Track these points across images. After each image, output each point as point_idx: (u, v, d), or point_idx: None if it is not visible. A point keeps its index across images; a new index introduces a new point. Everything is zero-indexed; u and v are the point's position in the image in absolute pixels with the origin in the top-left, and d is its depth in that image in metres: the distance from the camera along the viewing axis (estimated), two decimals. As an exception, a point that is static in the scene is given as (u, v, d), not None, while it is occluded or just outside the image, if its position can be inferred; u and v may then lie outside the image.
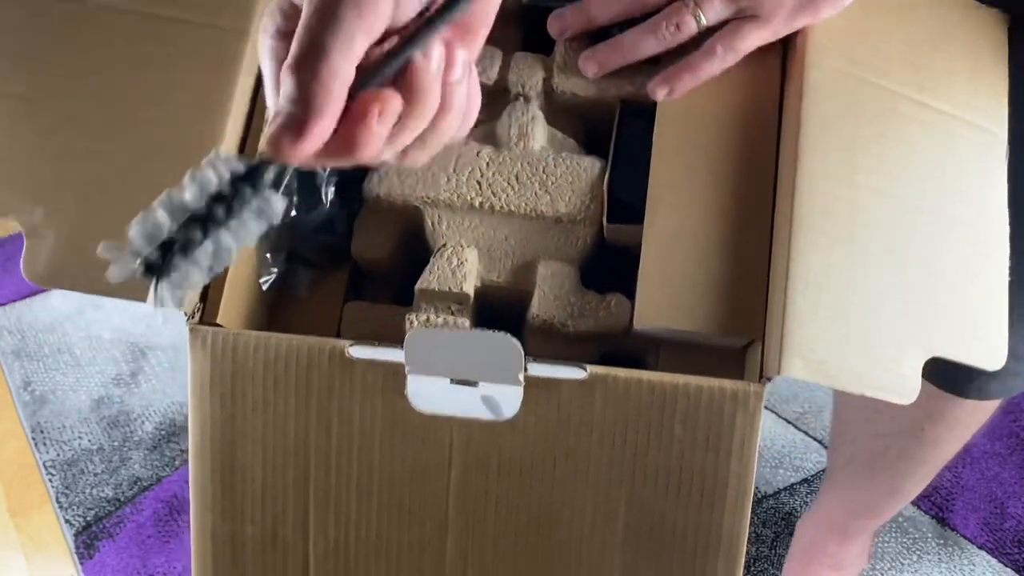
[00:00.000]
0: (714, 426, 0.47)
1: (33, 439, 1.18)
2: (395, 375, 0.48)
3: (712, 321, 0.48)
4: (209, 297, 0.53)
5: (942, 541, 1.05)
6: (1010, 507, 1.08)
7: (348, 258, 0.56)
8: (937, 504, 1.08)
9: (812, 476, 1.11)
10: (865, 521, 0.92)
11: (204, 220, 0.36)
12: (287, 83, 0.34)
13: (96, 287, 0.50)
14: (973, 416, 0.73)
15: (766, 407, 1.18)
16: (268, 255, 0.54)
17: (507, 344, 0.45)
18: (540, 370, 0.47)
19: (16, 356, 1.27)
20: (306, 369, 0.49)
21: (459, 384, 0.47)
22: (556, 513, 0.51)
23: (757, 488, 1.10)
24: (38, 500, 1.12)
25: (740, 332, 0.48)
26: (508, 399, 0.48)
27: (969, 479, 1.10)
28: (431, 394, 0.48)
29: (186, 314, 0.52)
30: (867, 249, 0.48)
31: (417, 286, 0.52)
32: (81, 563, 1.05)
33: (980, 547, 1.04)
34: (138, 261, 0.35)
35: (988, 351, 0.49)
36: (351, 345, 0.48)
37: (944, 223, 0.49)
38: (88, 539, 1.07)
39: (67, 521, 1.09)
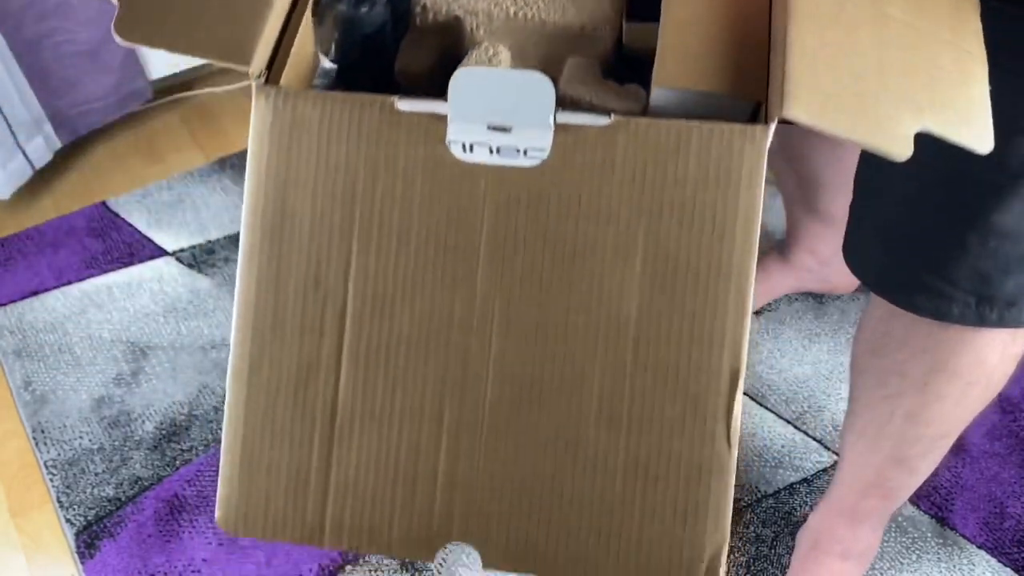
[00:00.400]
0: (724, 161, 0.53)
1: (34, 439, 1.18)
2: (437, 126, 0.55)
3: (723, 82, 0.54)
4: (273, 69, 0.59)
5: (941, 541, 1.05)
6: (1009, 507, 1.08)
7: (391, 82, 0.63)
8: (937, 504, 1.08)
9: (812, 476, 1.12)
10: (873, 501, 0.92)
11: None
12: None
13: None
14: (972, 372, 0.75)
15: (766, 407, 1.19)
16: (322, 59, 0.63)
17: (540, 83, 0.52)
18: (568, 118, 0.53)
19: (17, 356, 1.27)
20: (357, 122, 0.56)
21: (495, 131, 0.54)
22: (580, 249, 0.56)
23: (757, 488, 1.10)
24: (39, 500, 1.13)
25: (748, 93, 0.53)
26: (538, 143, 0.54)
27: (969, 479, 1.11)
28: (469, 140, 0.55)
29: (252, 75, 0.57)
30: (858, 31, 0.54)
31: (456, 72, 0.58)
32: (82, 562, 1.05)
33: (980, 547, 1.04)
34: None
35: (978, 136, 0.53)
36: (399, 99, 0.55)
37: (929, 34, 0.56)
38: (89, 538, 1.07)
39: (68, 521, 1.09)
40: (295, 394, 0.60)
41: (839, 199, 1.02)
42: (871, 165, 0.72)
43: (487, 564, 0.62)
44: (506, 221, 0.57)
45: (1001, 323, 0.69)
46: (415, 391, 0.60)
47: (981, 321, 0.69)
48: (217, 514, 0.62)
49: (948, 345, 0.73)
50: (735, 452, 0.58)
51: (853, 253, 0.77)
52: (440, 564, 0.57)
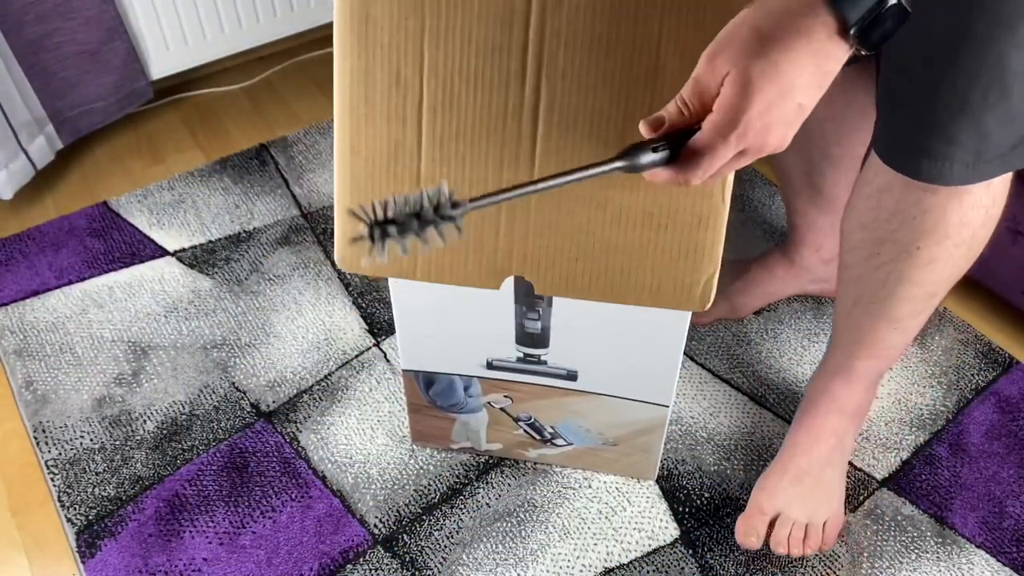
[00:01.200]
0: None
1: (35, 438, 1.18)
2: None
3: None
4: None
5: (940, 540, 1.05)
6: (1009, 506, 1.08)
7: None
8: (936, 503, 1.09)
9: (811, 475, 1.12)
10: (868, 360, 0.99)
11: (415, 218, 0.52)
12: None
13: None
14: (959, 233, 0.82)
15: (766, 407, 1.19)
16: None
17: None
18: None
19: (18, 356, 1.28)
20: None
21: None
22: (612, 44, 0.70)
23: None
24: (40, 499, 1.13)
25: None
26: None
27: (968, 478, 1.11)
28: None
29: None
30: None
31: None
32: (83, 562, 1.06)
33: (979, 546, 1.05)
34: (369, 222, 0.52)
35: None
36: None
37: None
38: (90, 538, 1.07)
39: (69, 520, 1.09)
40: (387, 169, 0.76)
41: (843, 177, 1.11)
42: (894, 53, 0.78)
43: (538, 292, 0.82)
44: (550, 22, 0.70)
45: (994, 173, 0.77)
46: (479, 166, 0.75)
47: (980, 176, 0.77)
48: (336, 258, 0.81)
49: (936, 210, 0.81)
50: (727, 205, 0.74)
51: (875, 142, 0.84)
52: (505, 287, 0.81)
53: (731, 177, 0.72)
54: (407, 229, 0.51)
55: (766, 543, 1.04)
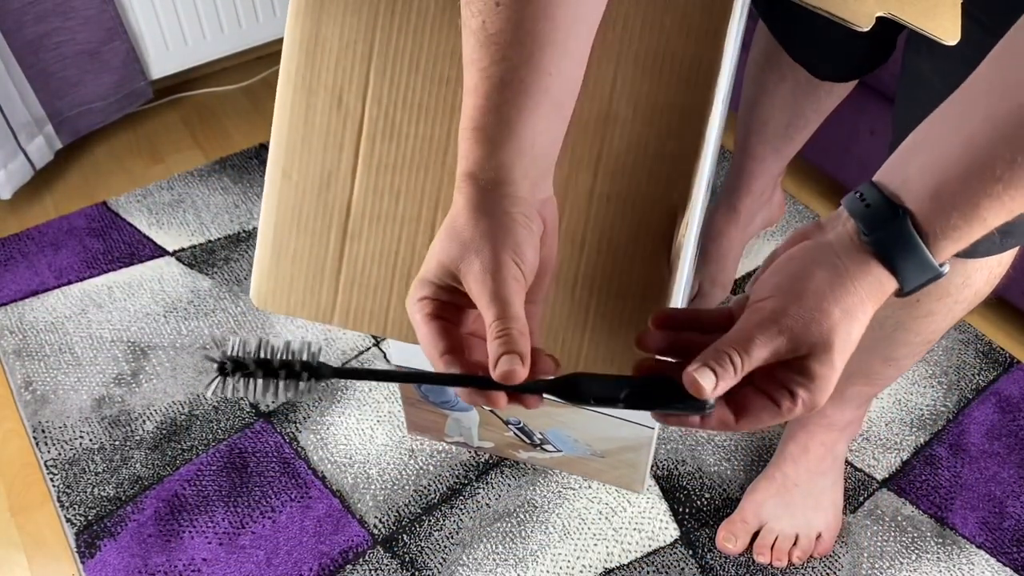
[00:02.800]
0: (693, 15, 0.63)
1: (34, 438, 1.18)
2: None
3: None
4: None
5: (941, 540, 1.05)
6: (1009, 506, 1.08)
7: None
8: (936, 503, 1.08)
9: (811, 476, 1.12)
10: (860, 387, 0.99)
11: (269, 365, 0.49)
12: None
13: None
14: (961, 292, 0.79)
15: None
16: None
17: None
18: None
19: (17, 356, 1.28)
20: None
21: None
22: None
23: (756, 487, 1.10)
24: (39, 499, 1.13)
25: None
26: None
27: (968, 478, 1.11)
28: None
29: None
30: None
31: None
32: (82, 562, 1.05)
33: (979, 546, 1.04)
34: (217, 360, 0.49)
35: (944, 28, 0.58)
36: None
37: None
38: (89, 538, 1.07)
39: (68, 520, 1.09)
40: (318, 196, 0.72)
41: (803, 134, 1.14)
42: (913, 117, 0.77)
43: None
44: None
45: (1019, 243, 0.74)
46: (415, 201, 0.71)
47: (1005, 248, 0.74)
48: (251, 292, 0.75)
49: None
50: (676, 275, 0.68)
51: None
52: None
53: (683, 239, 0.67)
54: (257, 376, 0.49)
55: (748, 549, 1.04)
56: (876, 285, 0.47)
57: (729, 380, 0.47)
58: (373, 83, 0.69)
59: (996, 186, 0.43)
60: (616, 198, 0.67)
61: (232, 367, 0.48)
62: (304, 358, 0.49)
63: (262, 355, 0.49)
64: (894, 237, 0.45)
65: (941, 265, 0.47)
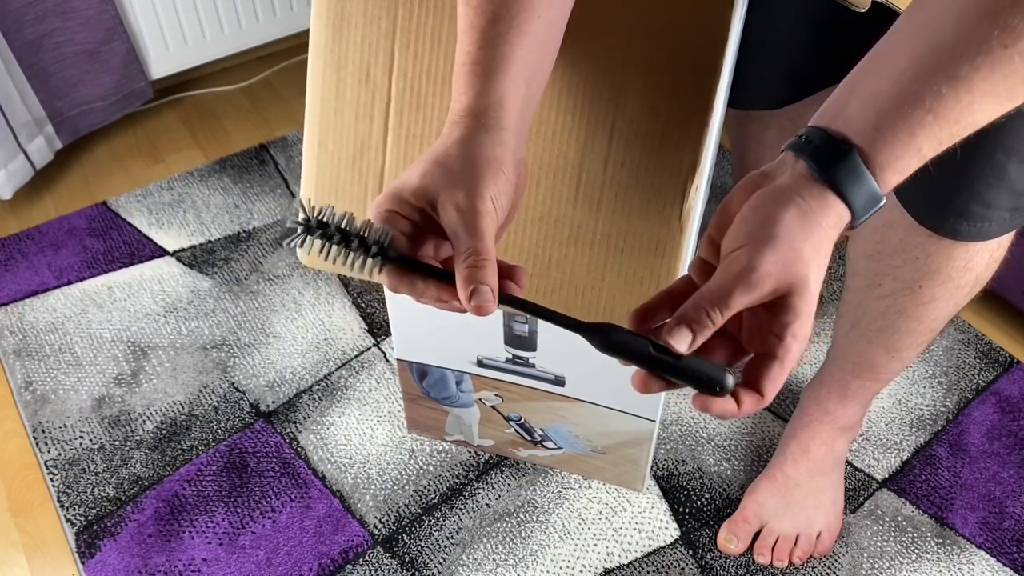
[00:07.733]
0: None
1: (34, 438, 1.18)
2: None
3: None
4: None
5: (941, 541, 1.05)
6: (1009, 506, 1.08)
7: None
8: (936, 503, 1.08)
9: (811, 476, 1.12)
10: (864, 381, 0.99)
11: (348, 236, 0.52)
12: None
13: None
14: (963, 276, 0.81)
15: (766, 407, 1.19)
16: None
17: None
18: None
19: (17, 356, 1.28)
20: None
21: None
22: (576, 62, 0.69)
23: (757, 488, 1.10)
24: (39, 499, 1.13)
25: None
26: None
27: (968, 478, 1.11)
28: None
29: None
30: None
31: None
32: (82, 562, 1.05)
33: (979, 547, 1.04)
34: (306, 216, 0.52)
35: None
36: None
37: None
38: (89, 538, 1.07)
39: (68, 520, 1.09)
40: (353, 164, 0.76)
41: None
42: None
43: None
44: None
45: (1017, 225, 0.76)
46: None
47: (1012, 228, 0.76)
48: (299, 253, 0.76)
49: (941, 254, 0.79)
50: (687, 232, 0.72)
51: (906, 202, 0.82)
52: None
53: (693, 200, 0.71)
54: (336, 241, 0.52)
55: (749, 549, 1.04)
56: (835, 218, 0.50)
57: (707, 331, 0.50)
58: (398, 57, 0.72)
59: (927, 116, 0.47)
60: (630, 163, 0.71)
61: (316, 225, 0.51)
62: (379, 239, 0.52)
63: (343, 225, 0.52)
64: (846, 171, 0.49)
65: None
